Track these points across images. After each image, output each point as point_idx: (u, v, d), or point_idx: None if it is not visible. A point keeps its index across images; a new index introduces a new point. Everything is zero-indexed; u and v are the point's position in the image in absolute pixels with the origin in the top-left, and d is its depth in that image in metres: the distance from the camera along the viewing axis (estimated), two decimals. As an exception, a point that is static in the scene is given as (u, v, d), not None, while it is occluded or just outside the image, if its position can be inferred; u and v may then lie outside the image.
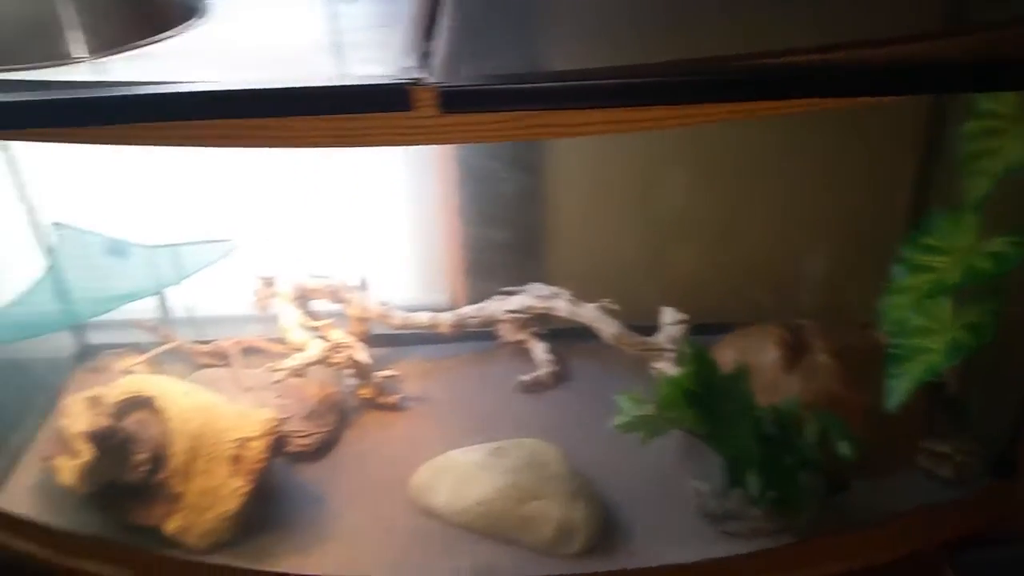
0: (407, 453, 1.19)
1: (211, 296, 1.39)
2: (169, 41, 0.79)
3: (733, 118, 0.65)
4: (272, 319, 1.32)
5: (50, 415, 1.27)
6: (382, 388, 1.27)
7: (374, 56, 0.73)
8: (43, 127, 0.72)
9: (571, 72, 0.68)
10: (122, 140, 0.72)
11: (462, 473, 1.10)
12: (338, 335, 1.24)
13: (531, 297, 1.31)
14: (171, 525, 1.03)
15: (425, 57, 0.69)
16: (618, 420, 1.06)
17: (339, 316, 1.31)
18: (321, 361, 1.20)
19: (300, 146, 0.67)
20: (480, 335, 1.38)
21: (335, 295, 1.28)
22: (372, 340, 1.32)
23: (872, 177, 1.26)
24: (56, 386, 1.33)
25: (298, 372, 1.17)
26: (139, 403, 1.08)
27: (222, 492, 1.03)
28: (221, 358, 1.36)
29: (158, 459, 1.04)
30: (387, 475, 1.16)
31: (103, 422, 1.06)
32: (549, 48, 0.74)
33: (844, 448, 0.97)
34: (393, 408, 1.27)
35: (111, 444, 1.01)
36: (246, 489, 1.03)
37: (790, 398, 1.04)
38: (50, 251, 1.26)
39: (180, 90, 0.67)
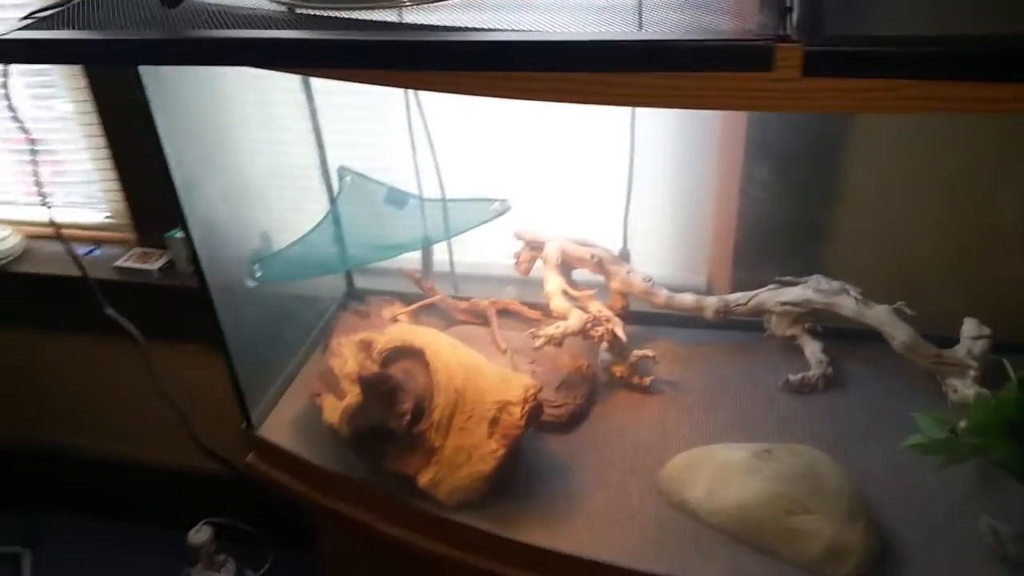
0: (657, 439, 1.13)
1: (475, 253, 1.40)
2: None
3: None
4: (530, 283, 1.30)
5: (316, 352, 1.33)
6: (636, 367, 1.21)
7: (724, 9, 0.66)
8: (368, 67, 0.71)
9: (959, 37, 0.57)
10: (447, 87, 0.70)
11: (723, 471, 1.02)
12: (598, 308, 1.20)
13: (811, 290, 1.19)
14: (424, 477, 1.03)
15: (784, 13, 0.61)
16: (913, 440, 0.94)
17: (599, 287, 1.26)
18: (580, 332, 1.16)
19: (639, 104, 0.62)
20: (744, 325, 1.28)
21: (599, 266, 1.23)
22: (626, 316, 1.27)
23: None
24: (323, 325, 1.38)
25: (557, 341, 1.14)
26: (408, 352, 1.09)
27: (478, 452, 1.02)
28: (477, 316, 1.36)
29: (420, 410, 1.04)
30: (636, 459, 1.11)
31: (372, 367, 1.08)
32: (924, 9, 0.63)
33: None
34: (645, 390, 1.21)
35: (379, 390, 1.02)
36: (501, 452, 1.01)
37: None
38: (334, 194, 1.30)
39: (519, 39, 0.63)
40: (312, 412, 1.17)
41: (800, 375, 1.19)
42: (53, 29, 0.79)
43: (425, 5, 0.75)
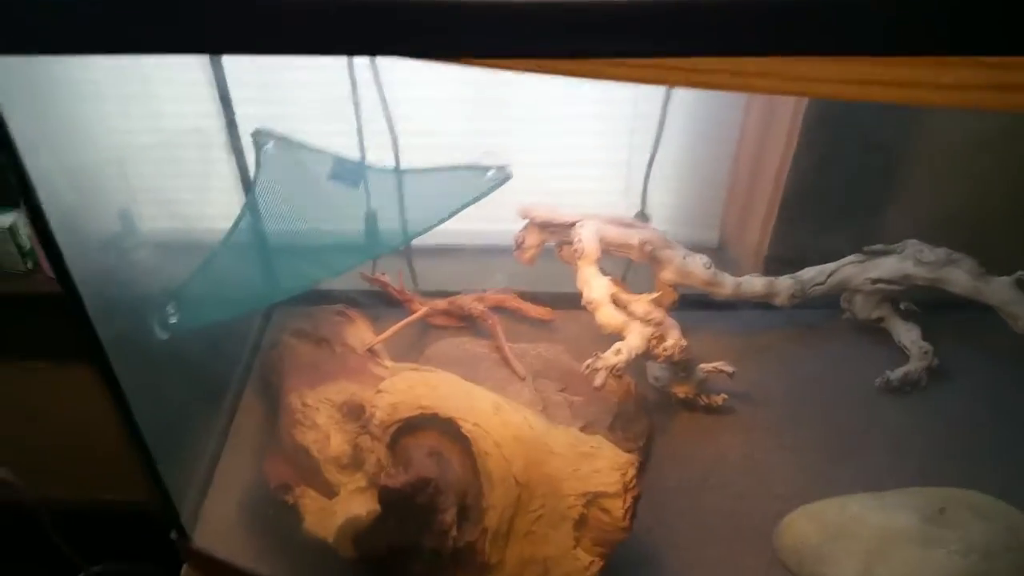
0: (753, 481, 0.86)
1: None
2: None
3: None
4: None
5: (247, 395, 0.95)
6: (704, 385, 0.92)
7: None
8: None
9: None
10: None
11: (881, 543, 0.76)
12: (646, 309, 0.88)
13: (911, 262, 0.93)
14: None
15: None
16: None
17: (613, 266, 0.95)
18: (647, 353, 0.85)
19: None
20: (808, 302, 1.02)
21: (643, 250, 0.91)
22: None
23: None
24: (250, 353, 0.99)
25: (620, 371, 0.82)
26: (430, 422, 0.73)
27: (560, 567, 0.70)
28: (460, 320, 1.01)
29: (464, 510, 0.70)
30: (736, 516, 0.83)
31: (381, 451, 0.72)
32: None
33: None
34: (715, 411, 0.93)
35: (413, 503, 0.67)
36: (598, 567, 0.70)
37: None
38: (254, 177, 0.89)
39: None
40: (273, 507, 0.80)
41: (902, 371, 0.94)
42: None
43: None
